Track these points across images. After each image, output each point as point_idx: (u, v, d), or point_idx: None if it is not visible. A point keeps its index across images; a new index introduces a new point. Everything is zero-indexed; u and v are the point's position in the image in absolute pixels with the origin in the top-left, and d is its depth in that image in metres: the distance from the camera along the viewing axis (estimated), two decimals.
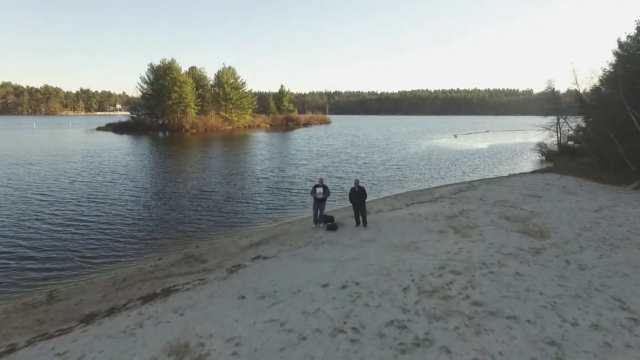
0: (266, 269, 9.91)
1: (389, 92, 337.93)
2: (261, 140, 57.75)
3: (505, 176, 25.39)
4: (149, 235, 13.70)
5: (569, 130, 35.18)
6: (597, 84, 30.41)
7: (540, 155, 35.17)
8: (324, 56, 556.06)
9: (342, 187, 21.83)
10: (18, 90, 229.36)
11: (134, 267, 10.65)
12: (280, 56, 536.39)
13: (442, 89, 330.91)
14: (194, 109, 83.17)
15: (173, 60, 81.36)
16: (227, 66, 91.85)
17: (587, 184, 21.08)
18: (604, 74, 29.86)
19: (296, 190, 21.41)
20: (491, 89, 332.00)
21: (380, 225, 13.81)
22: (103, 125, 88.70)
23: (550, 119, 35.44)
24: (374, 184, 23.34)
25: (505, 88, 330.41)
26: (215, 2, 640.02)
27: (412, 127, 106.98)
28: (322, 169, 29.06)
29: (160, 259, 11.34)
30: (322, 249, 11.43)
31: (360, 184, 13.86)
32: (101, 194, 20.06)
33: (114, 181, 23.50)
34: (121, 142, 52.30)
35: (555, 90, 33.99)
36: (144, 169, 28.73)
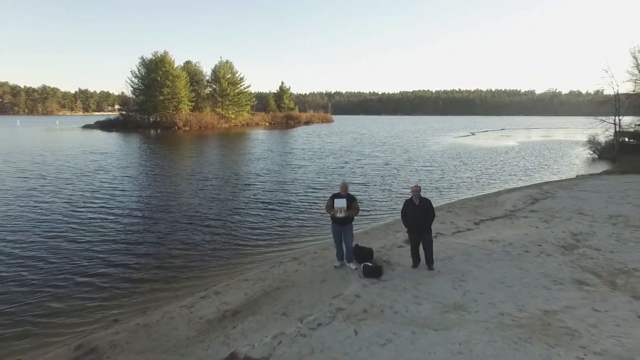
0: None
1: (390, 93, 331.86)
2: (257, 138, 51.76)
3: (574, 178, 19.48)
4: (27, 297, 7.41)
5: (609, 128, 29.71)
6: None
7: (592, 152, 29.43)
8: (324, 56, 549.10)
9: (361, 197, 15.74)
10: (15, 90, 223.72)
11: None
12: (279, 55, 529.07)
13: (444, 89, 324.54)
14: (187, 105, 77.32)
15: (166, 53, 75.58)
16: (225, 60, 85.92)
17: None
18: None
19: (298, 203, 15.29)
20: (493, 89, 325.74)
21: (456, 266, 7.86)
22: (92, 123, 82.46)
23: (588, 118, 30.02)
24: (405, 188, 17.39)
25: (507, 88, 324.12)
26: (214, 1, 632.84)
27: (418, 125, 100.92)
28: (331, 172, 23.08)
29: None
30: (365, 333, 5.48)
31: (422, 194, 7.91)
32: None
33: (30, 193, 16.69)
34: (96, 140, 46.27)
35: (615, 84, 28.46)
36: (89, 173, 21.84)
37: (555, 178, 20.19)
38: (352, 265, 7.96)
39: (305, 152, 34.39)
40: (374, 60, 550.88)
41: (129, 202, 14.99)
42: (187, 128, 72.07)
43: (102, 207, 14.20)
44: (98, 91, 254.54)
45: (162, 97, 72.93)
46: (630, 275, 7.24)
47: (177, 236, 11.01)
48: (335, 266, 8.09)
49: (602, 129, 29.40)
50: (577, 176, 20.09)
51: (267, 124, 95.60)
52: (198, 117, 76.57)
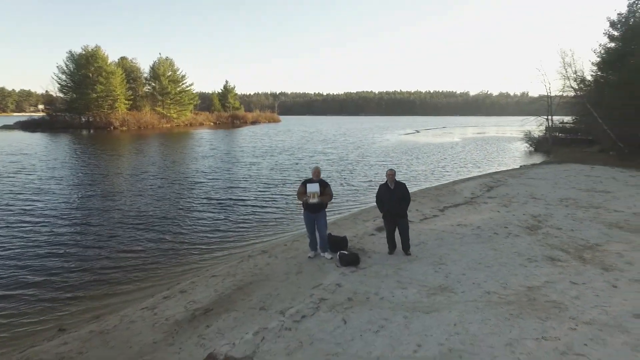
0: None
1: (335, 93, 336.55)
2: (203, 138, 49.56)
3: (518, 168, 20.64)
4: None
5: (543, 124, 32.62)
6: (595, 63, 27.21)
7: (529, 146, 31.73)
8: (268, 55, 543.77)
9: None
10: None
11: None
12: (221, 54, 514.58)
13: (386, 91, 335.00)
14: (124, 104, 72.36)
15: (98, 47, 70.06)
16: (164, 57, 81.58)
17: (632, 174, 16.62)
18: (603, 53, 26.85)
19: (256, 200, 14.47)
20: (431, 91, 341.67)
21: (432, 251, 7.72)
22: (11, 124, 74.16)
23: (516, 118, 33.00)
24: (364, 182, 17.31)
25: (445, 90, 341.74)
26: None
27: (364, 125, 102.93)
28: (286, 167, 22.56)
29: None
30: (355, 322, 5.07)
31: (397, 178, 7.69)
32: None
33: None
34: (16, 141, 41.63)
35: (547, 82, 31.06)
36: (9, 175, 19.57)
37: (502, 168, 21.29)
38: (327, 255, 7.52)
39: (256, 150, 33.43)
40: (318, 60, 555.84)
41: (61, 204, 13.31)
42: (124, 128, 67.34)
43: (28, 210, 12.44)
44: (17, 90, 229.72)
45: (95, 95, 67.53)
46: (595, 250, 7.52)
47: (123, 238, 9.78)
48: (309, 257, 7.61)
49: (537, 124, 31.84)
50: (521, 166, 21.32)
51: (212, 123, 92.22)
52: (137, 117, 71.87)
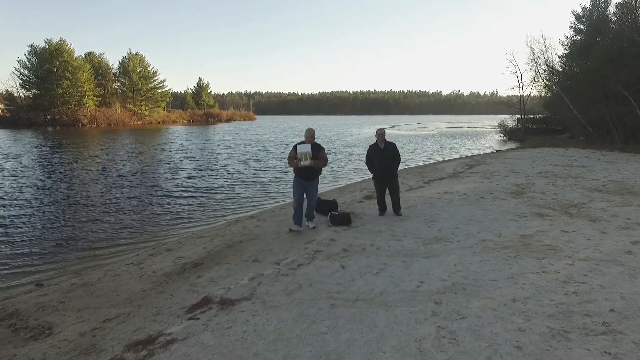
0: None
1: (310, 93, 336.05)
2: (178, 133, 48.32)
3: (495, 152, 21.08)
4: None
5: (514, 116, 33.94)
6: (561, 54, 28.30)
7: (502, 135, 32.67)
8: (241, 54, 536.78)
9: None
10: None
11: None
12: (193, 52, 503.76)
13: (361, 90, 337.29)
14: (93, 101, 69.63)
15: (63, 41, 67.12)
16: (134, 52, 79.09)
17: (603, 153, 17.28)
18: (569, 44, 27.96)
19: (230, 184, 14.07)
20: (405, 90, 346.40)
21: (422, 212, 7.68)
22: None
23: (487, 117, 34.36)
24: (349, 171, 17.23)
25: (418, 90, 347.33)
26: None
27: (339, 121, 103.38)
28: (266, 158, 22.22)
29: None
30: (353, 267, 4.91)
31: (387, 139, 7.62)
32: None
33: None
34: None
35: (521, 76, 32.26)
36: None
37: (481, 153, 21.73)
38: (311, 224, 6.86)
39: (233, 142, 32.87)
40: (293, 59, 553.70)
41: (45, 184, 12.64)
42: (93, 125, 64.83)
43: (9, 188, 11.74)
44: None
45: (60, 91, 64.72)
46: (580, 207, 7.68)
47: (101, 212, 9.33)
48: (291, 229, 6.69)
49: (509, 115, 32.86)
50: (497, 151, 21.84)
51: (186, 121, 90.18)
52: (106, 114, 69.26)
